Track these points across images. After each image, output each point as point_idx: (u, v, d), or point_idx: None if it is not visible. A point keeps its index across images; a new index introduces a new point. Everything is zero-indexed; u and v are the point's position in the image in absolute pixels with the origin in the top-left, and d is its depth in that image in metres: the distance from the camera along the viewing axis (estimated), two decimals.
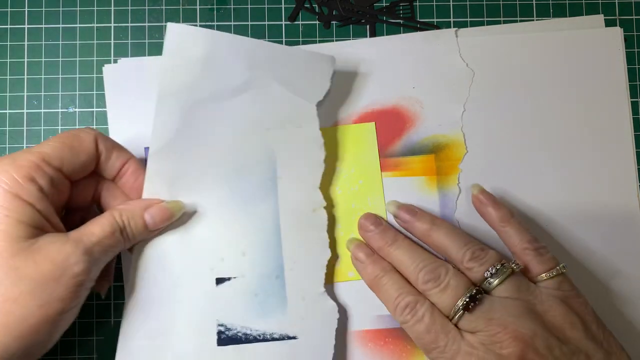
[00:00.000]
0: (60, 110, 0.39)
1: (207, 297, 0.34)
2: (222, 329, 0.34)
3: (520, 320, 0.30)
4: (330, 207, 0.37)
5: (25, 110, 0.39)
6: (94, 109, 0.39)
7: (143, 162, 0.35)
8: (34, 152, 0.29)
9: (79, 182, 0.32)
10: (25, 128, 0.39)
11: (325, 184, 0.37)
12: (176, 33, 0.34)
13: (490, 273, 0.32)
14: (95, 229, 0.30)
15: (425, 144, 0.38)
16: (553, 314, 0.31)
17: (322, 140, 0.36)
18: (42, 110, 0.39)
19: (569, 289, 0.32)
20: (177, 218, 0.34)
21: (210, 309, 0.34)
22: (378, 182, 0.38)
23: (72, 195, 0.32)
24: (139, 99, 0.38)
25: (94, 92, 0.39)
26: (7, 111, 0.39)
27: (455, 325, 0.32)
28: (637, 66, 0.40)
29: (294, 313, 0.35)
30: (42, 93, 0.39)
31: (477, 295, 0.31)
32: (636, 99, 0.39)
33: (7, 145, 0.39)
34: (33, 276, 0.27)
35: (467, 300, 0.31)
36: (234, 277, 0.35)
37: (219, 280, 0.35)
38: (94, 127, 0.39)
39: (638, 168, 0.38)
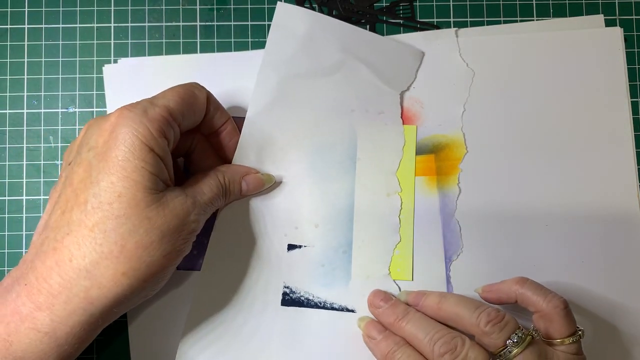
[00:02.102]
0: (60, 110, 0.39)
1: (277, 260, 0.37)
2: (287, 290, 0.37)
3: None
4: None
5: (25, 110, 0.39)
6: (94, 109, 0.39)
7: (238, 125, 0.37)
8: (162, 107, 0.30)
9: (181, 135, 0.33)
10: (25, 128, 0.39)
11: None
12: (283, 11, 0.38)
13: (513, 342, 0.30)
14: (205, 188, 0.32)
15: (425, 143, 0.38)
16: None
17: (402, 128, 0.38)
18: (42, 110, 0.39)
19: (582, 352, 0.32)
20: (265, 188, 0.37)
21: (279, 270, 0.37)
22: (411, 184, 0.38)
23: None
24: (138, 99, 0.38)
25: (94, 92, 0.39)
26: (7, 111, 0.39)
27: None
28: (637, 66, 0.40)
29: (356, 288, 0.37)
30: (42, 93, 0.39)
31: None
32: (636, 99, 0.39)
33: (7, 145, 0.39)
34: (162, 227, 0.29)
35: None
36: (305, 246, 0.37)
37: (291, 247, 0.37)
38: None
39: (638, 168, 0.38)
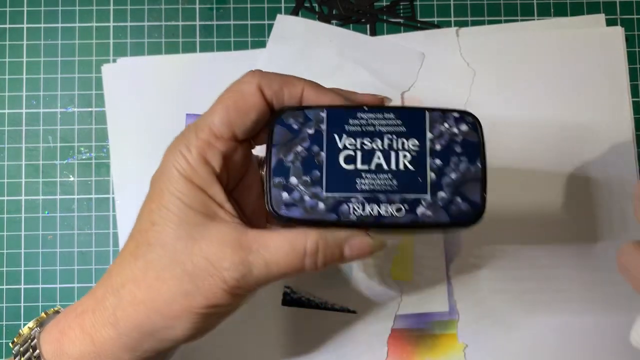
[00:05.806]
0: (59, 110, 0.39)
1: None
2: (288, 290, 0.37)
3: None
4: None
5: (24, 110, 0.39)
6: (93, 109, 0.39)
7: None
8: (204, 129, 0.27)
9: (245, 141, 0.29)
10: (24, 128, 0.39)
11: None
12: (282, 23, 0.39)
13: None
14: (272, 245, 0.26)
15: None
16: None
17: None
18: (41, 110, 0.39)
19: None
20: None
21: None
22: None
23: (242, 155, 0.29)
24: (137, 99, 0.38)
25: (93, 92, 0.39)
26: (6, 111, 0.39)
27: None
28: (637, 66, 0.40)
29: (358, 290, 0.37)
30: (41, 93, 0.39)
31: None
32: (637, 99, 0.39)
33: (6, 145, 0.39)
34: (185, 265, 0.26)
35: None
36: None
37: None
38: (93, 127, 0.39)
39: (638, 168, 0.38)
